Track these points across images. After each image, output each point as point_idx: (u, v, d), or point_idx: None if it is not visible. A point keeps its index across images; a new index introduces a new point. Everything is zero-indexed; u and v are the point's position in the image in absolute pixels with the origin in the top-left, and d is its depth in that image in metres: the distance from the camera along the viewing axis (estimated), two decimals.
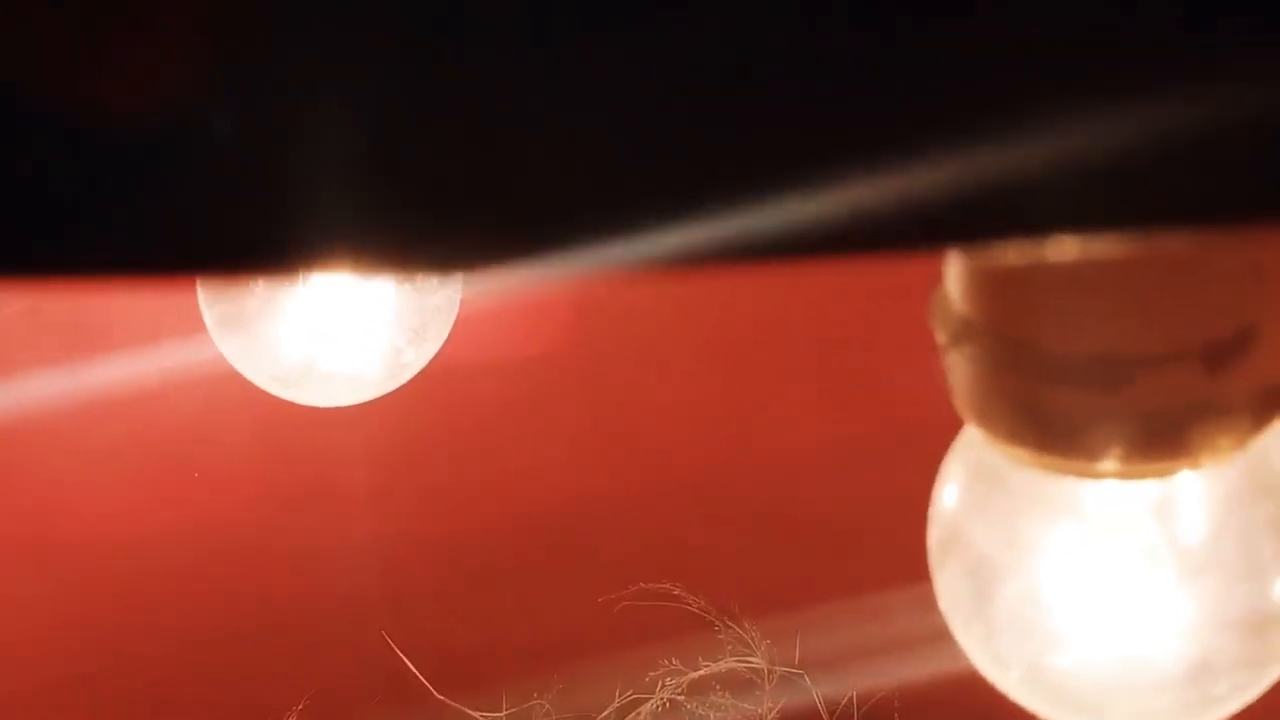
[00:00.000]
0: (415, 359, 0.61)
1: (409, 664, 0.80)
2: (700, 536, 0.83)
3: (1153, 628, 0.42)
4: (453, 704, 0.81)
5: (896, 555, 0.65)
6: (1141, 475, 0.39)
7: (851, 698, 0.83)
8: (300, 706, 0.77)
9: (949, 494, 0.44)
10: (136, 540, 0.76)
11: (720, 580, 0.82)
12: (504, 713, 0.82)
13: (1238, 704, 0.43)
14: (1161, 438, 0.39)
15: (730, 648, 0.83)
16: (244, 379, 0.61)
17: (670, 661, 0.83)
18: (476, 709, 0.82)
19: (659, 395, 0.81)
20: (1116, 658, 0.43)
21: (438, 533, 0.81)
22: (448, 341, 0.75)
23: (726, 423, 0.80)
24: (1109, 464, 0.39)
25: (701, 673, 0.83)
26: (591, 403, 0.81)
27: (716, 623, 0.82)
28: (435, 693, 0.80)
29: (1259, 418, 0.39)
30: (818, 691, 0.83)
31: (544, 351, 0.78)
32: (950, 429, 0.44)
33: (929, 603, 0.48)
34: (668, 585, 0.82)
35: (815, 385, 0.79)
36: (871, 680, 0.81)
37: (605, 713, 0.83)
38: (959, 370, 0.40)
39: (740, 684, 0.83)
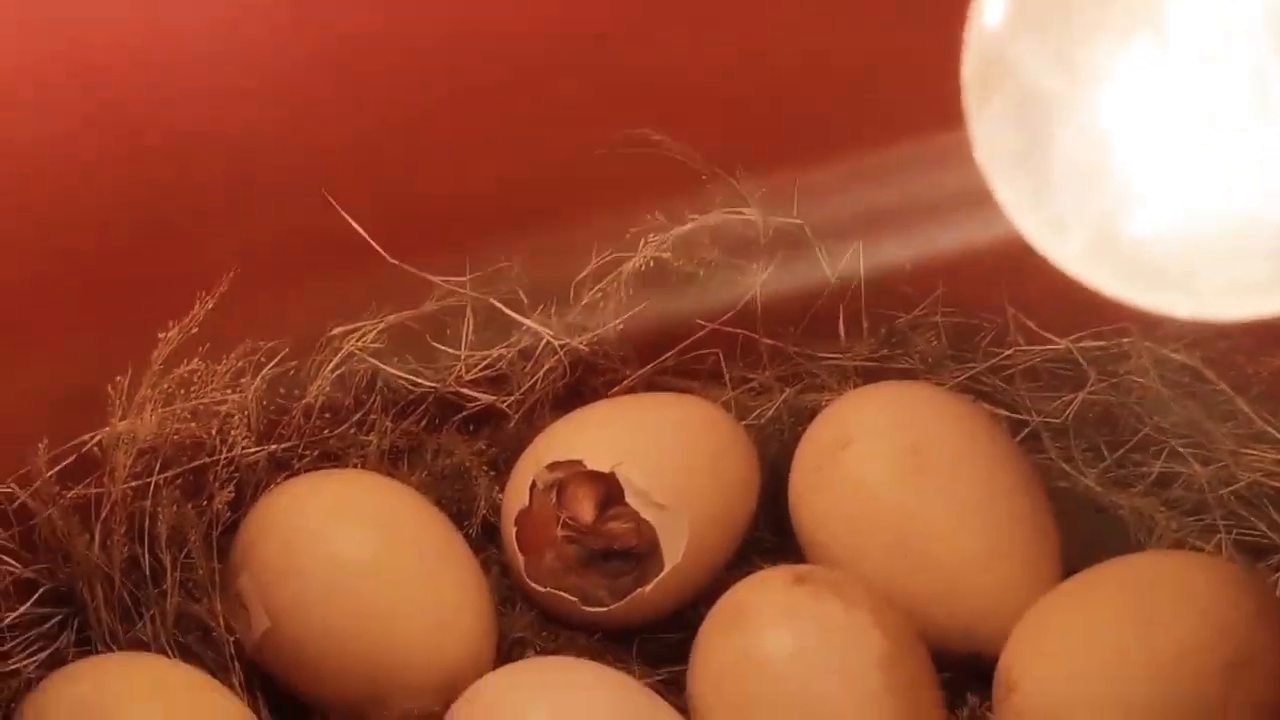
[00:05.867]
0: None
1: (355, 225, 0.71)
2: (685, 75, 0.73)
3: (1258, 176, 0.33)
4: (408, 268, 0.72)
5: (921, 93, 0.55)
6: None
7: (858, 249, 0.75)
8: (231, 274, 0.68)
9: (991, 9, 0.34)
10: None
11: (708, 125, 0.73)
12: (467, 277, 0.74)
13: None
14: None
15: (720, 199, 0.74)
16: None
17: (654, 216, 0.74)
18: (436, 274, 0.73)
19: None
20: (1209, 216, 0.34)
21: (380, 79, 0.71)
22: None
23: None
24: None
25: (689, 227, 0.74)
26: None
27: (704, 173, 0.73)
28: (388, 257, 0.72)
29: None
30: (820, 244, 0.75)
31: None
32: None
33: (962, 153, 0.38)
34: (648, 131, 0.72)
35: None
36: (881, 232, 0.73)
37: (582, 274, 0.75)
38: None
39: (732, 238, 0.75)
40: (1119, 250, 0.33)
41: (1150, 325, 0.72)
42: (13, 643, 0.66)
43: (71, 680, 0.64)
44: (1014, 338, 0.75)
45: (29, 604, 0.67)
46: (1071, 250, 0.33)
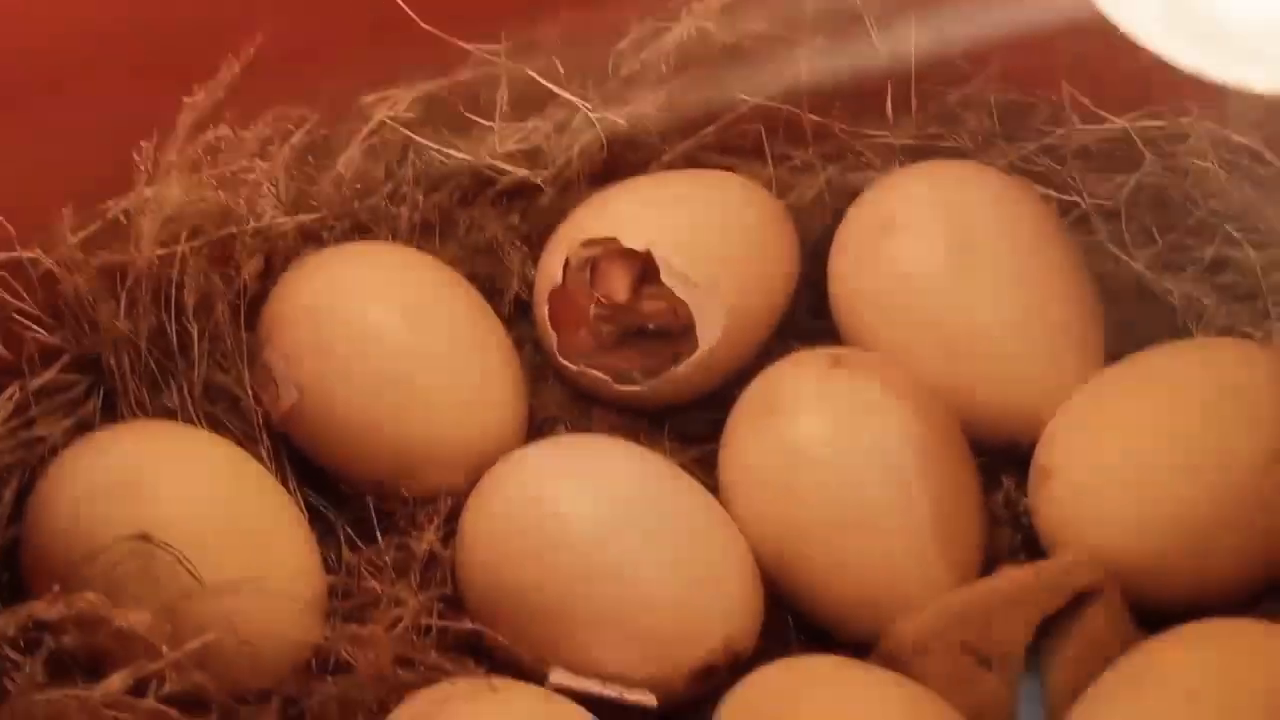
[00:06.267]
0: None
1: None
2: None
3: None
4: (441, 34, 0.70)
5: None
6: None
7: (909, 22, 0.72)
8: (258, 39, 0.66)
9: None
10: None
11: None
12: (502, 46, 0.71)
13: None
14: None
15: None
16: None
17: None
18: (470, 42, 0.71)
19: None
20: None
21: None
22: None
23: None
24: None
25: None
26: None
27: None
28: (420, 22, 0.69)
29: None
30: (870, 16, 0.72)
31: None
32: None
33: None
34: None
35: None
36: (936, 6, 0.70)
37: (621, 45, 0.72)
38: None
39: (779, 9, 0.72)
40: (1195, 19, 0.31)
41: (1211, 104, 0.69)
42: (39, 408, 0.65)
43: (97, 446, 0.64)
44: (1069, 116, 0.73)
45: (54, 370, 0.66)
46: (1146, 18, 0.31)
